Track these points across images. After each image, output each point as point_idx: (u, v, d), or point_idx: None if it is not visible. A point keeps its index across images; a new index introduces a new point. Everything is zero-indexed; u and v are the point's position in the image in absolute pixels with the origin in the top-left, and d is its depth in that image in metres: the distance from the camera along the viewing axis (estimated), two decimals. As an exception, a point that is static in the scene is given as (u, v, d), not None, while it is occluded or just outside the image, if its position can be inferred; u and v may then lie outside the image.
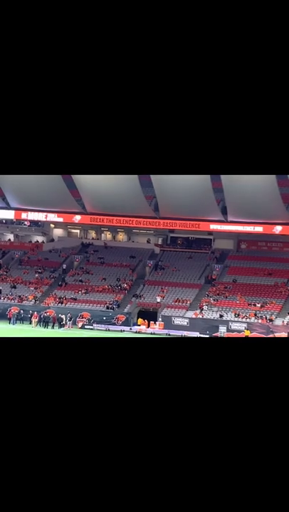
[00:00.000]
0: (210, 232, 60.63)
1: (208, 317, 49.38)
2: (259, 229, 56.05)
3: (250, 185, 47.84)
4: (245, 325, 47.48)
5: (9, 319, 49.09)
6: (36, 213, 60.69)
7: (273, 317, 48.81)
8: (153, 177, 51.59)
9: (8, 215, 62.04)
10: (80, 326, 48.85)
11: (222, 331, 46.77)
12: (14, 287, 55.61)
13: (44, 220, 62.38)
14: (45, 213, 60.23)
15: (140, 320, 49.69)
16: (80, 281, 56.81)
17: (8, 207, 60.24)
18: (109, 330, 47.86)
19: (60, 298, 53.39)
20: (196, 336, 44.70)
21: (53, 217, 60.96)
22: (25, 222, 65.24)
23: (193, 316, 49.53)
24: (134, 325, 49.41)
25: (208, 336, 45.41)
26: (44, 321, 47.92)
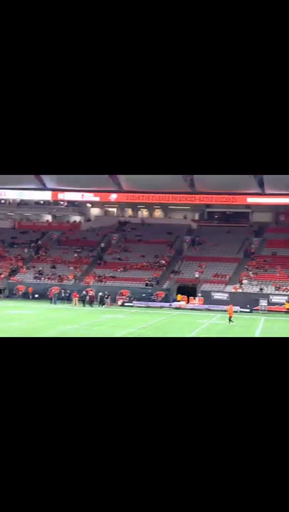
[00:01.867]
0: (247, 206, 60.15)
1: (248, 291, 49.22)
2: (297, 200, 55.36)
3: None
4: (286, 298, 47.22)
5: (50, 299, 49.93)
6: (73, 193, 61.23)
7: (314, 289, 48.35)
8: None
9: (45, 196, 62.76)
10: (120, 304, 49.33)
11: (263, 305, 46.61)
12: (54, 267, 56.40)
13: (81, 199, 62.89)
14: (81, 193, 60.68)
15: (179, 296, 49.88)
16: (119, 259, 57.23)
17: (44, 188, 60.85)
18: (149, 307, 48.22)
19: (99, 276, 53.96)
20: (237, 309, 44.66)
21: (89, 196, 61.39)
22: (63, 203, 65.88)
23: (233, 291, 49.44)
24: (173, 301, 49.66)
25: (248, 311, 45.32)
26: (83, 300, 48.57)
